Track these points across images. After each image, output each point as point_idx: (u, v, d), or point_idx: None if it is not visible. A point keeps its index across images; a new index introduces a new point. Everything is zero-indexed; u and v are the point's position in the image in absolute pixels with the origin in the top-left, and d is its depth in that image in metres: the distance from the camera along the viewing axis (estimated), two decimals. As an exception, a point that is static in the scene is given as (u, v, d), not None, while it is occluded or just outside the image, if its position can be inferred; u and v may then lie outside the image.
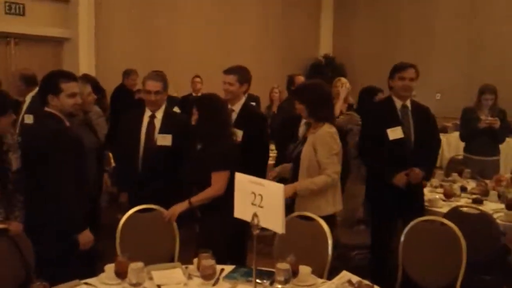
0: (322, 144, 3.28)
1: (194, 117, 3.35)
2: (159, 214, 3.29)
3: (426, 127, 3.93)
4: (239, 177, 2.14)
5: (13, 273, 2.63)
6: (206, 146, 3.37)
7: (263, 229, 2.11)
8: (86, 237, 2.97)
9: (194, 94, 7.51)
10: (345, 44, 11.29)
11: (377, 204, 4.01)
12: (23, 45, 7.48)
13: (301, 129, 3.88)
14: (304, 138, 3.50)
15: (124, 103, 6.43)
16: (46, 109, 3.01)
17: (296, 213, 3.22)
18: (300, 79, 5.26)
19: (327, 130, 3.31)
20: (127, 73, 7.31)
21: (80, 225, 2.96)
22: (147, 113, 3.80)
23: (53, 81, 3.01)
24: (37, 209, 2.94)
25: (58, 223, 2.88)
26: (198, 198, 3.29)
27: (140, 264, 2.32)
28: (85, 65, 7.88)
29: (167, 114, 3.81)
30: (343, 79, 4.82)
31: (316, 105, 3.35)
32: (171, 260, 3.13)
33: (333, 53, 11.42)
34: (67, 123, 3.04)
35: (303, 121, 3.80)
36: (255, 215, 2.01)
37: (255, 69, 7.84)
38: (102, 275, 2.53)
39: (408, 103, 3.94)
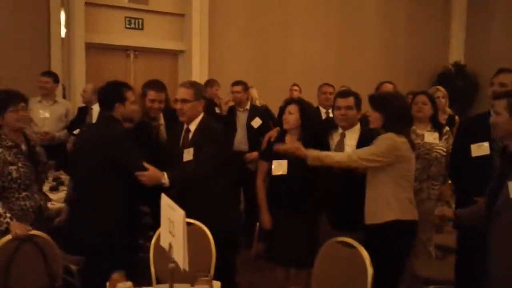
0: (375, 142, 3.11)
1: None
2: (197, 228, 3.12)
3: None
4: (164, 200, 1.83)
5: (36, 281, 2.69)
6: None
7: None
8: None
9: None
10: (479, 50, 9.99)
11: (464, 231, 3.43)
12: (142, 57, 7.95)
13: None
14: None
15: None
16: (110, 114, 3.27)
17: (337, 238, 2.87)
18: (388, 86, 4.82)
19: (387, 136, 3.09)
20: (210, 84, 6.80)
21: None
22: (185, 126, 3.49)
23: (119, 91, 3.29)
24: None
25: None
26: None
27: (128, 284, 2.20)
28: (198, 76, 8.11)
29: (201, 127, 3.44)
30: (441, 88, 4.46)
31: (394, 116, 3.13)
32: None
33: (465, 60, 10.22)
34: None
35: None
36: (170, 245, 1.72)
37: (376, 81, 7.29)
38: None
39: None
